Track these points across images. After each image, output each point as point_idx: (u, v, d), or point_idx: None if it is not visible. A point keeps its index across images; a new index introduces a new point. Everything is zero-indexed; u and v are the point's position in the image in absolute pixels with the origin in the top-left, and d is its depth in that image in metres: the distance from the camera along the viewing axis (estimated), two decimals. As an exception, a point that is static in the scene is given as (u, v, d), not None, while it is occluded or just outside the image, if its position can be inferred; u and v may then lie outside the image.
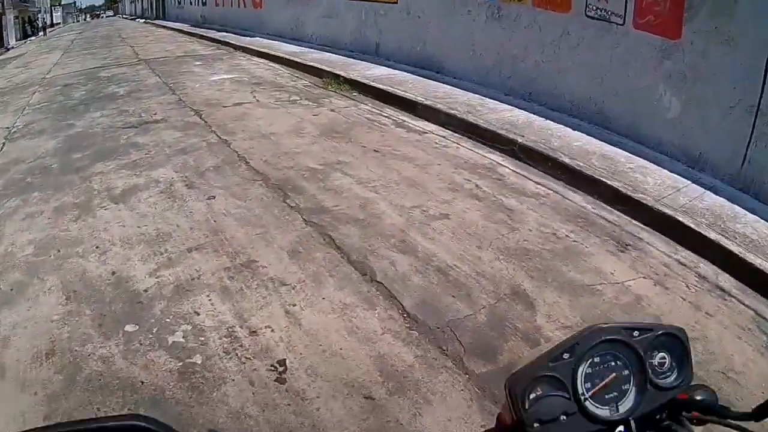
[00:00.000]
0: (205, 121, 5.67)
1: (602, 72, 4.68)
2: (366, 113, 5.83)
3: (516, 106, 5.31)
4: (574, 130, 4.62)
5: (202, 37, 14.70)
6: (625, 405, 0.65)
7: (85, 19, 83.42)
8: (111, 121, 5.94)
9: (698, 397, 0.69)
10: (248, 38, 12.19)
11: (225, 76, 8.28)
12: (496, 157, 4.46)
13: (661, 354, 0.68)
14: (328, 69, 7.42)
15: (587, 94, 4.87)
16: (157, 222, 3.40)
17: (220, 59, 10.30)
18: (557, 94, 5.20)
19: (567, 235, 3.16)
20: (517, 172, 4.14)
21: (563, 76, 5.13)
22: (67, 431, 0.50)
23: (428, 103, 5.56)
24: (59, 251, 3.09)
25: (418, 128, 5.26)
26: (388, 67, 7.36)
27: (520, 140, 4.42)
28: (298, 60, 8.47)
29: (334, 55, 8.70)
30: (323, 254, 2.95)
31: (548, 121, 4.87)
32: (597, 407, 0.64)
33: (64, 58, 14.12)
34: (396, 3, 7.62)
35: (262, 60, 9.72)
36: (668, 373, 0.68)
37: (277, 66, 8.97)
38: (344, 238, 3.11)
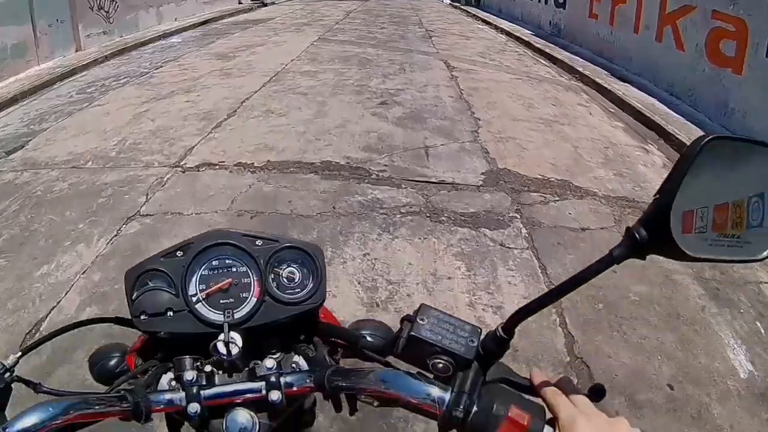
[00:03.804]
0: None
1: None
2: None
3: None
4: None
5: (576, 73, 7.13)
6: (241, 312, 0.63)
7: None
8: None
9: (363, 331, 0.67)
10: (676, 114, 5.23)
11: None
12: None
13: (291, 268, 0.66)
14: None
15: None
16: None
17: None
18: None
19: None
20: None
21: None
22: None
23: None
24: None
25: None
26: None
27: None
28: None
29: None
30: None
31: None
32: (209, 310, 0.63)
33: (308, 53, 8.35)
34: None
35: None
36: (297, 289, 0.65)
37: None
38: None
